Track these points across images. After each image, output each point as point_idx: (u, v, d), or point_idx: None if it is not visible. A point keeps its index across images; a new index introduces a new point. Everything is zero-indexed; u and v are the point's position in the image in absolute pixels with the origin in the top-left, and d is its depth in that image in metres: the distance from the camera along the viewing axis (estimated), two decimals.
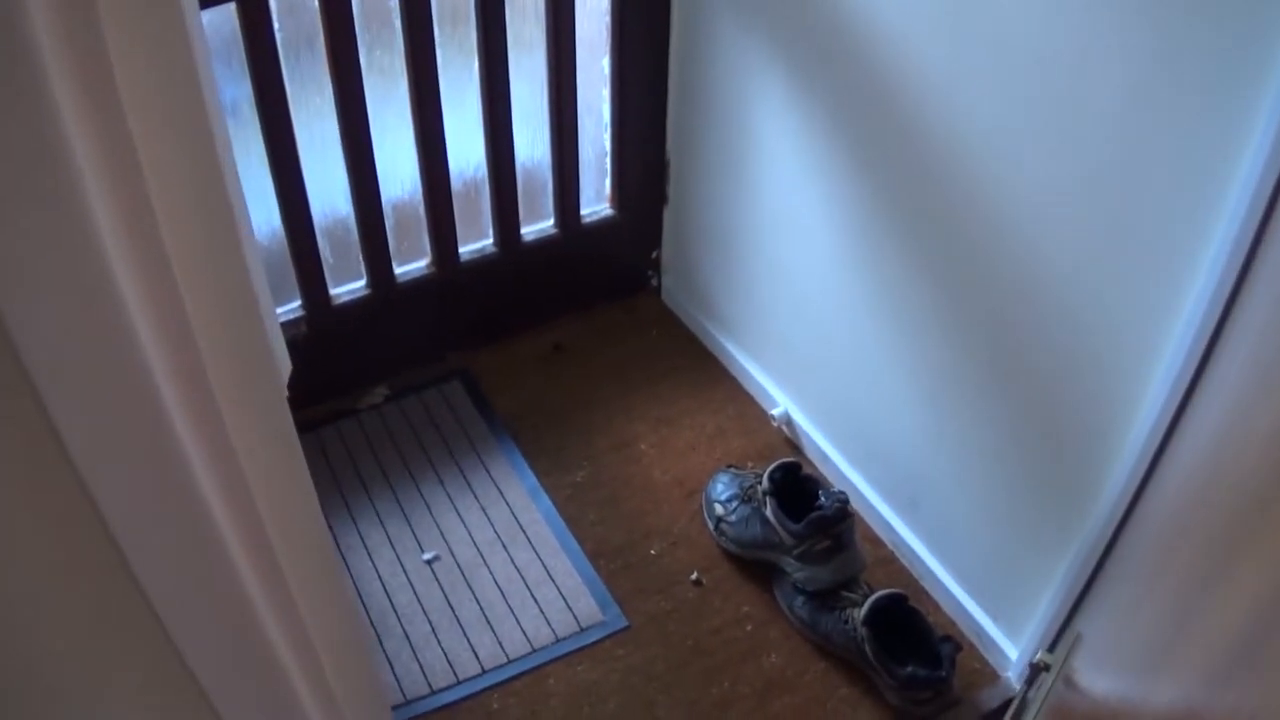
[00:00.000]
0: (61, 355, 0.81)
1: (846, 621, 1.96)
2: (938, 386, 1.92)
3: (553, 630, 2.05)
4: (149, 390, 0.88)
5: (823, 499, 2.00)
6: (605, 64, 2.34)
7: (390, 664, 1.98)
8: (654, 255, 2.66)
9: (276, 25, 1.91)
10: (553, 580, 2.13)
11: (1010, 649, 1.96)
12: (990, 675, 1.99)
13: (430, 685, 1.97)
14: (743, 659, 2.00)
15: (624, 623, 2.07)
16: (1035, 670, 1.70)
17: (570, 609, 2.08)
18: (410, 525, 2.21)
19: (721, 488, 2.18)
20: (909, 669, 1.86)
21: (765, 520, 2.05)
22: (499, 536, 2.18)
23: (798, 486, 2.06)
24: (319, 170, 2.11)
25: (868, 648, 1.91)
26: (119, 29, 0.81)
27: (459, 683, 1.98)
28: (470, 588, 2.11)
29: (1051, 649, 1.70)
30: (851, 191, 1.95)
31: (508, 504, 2.24)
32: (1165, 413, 1.41)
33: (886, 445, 2.10)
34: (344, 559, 2.13)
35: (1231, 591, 1.04)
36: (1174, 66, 1.31)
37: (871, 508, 2.21)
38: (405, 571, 2.13)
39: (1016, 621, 1.93)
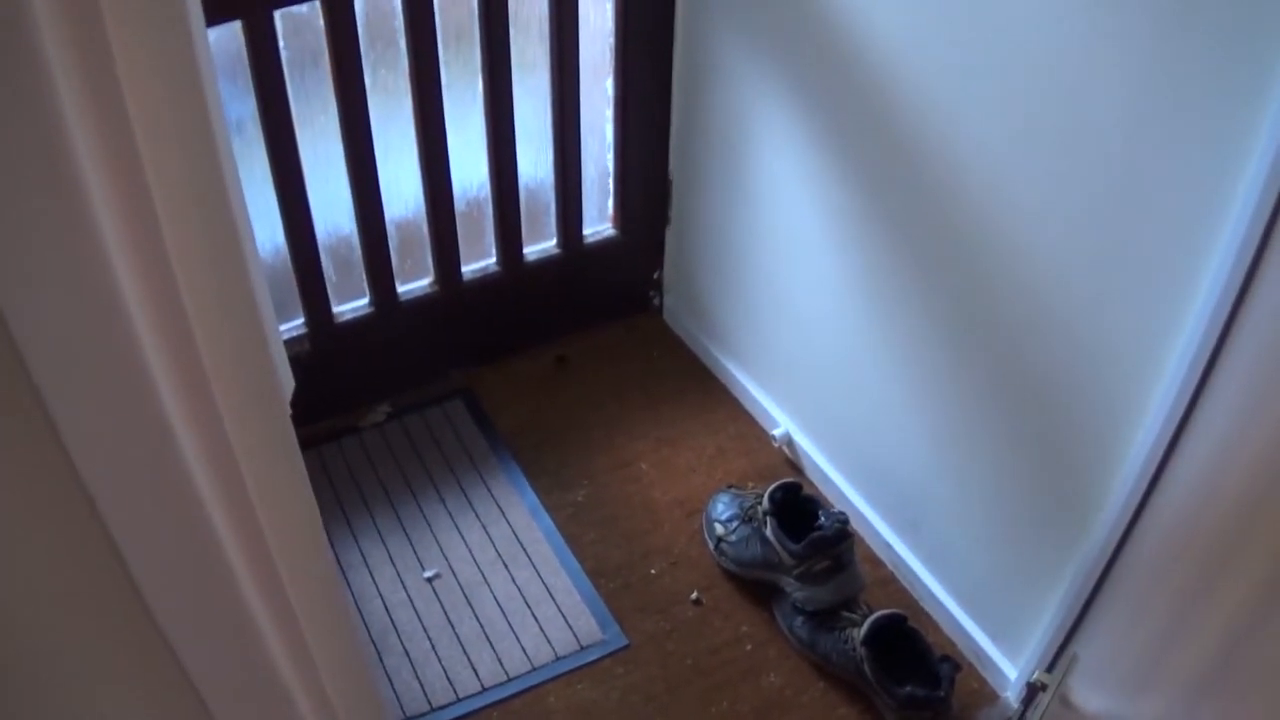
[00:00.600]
0: (66, 368, 0.82)
1: (846, 641, 1.96)
2: (939, 409, 1.91)
3: (553, 649, 2.05)
4: (153, 403, 0.89)
5: (823, 519, 2.00)
6: (608, 85, 2.34)
7: (390, 681, 1.98)
8: (656, 275, 2.65)
9: (282, 44, 1.92)
10: (553, 599, 2.12)
11: (1009, 669, 1.96)
12: (989, 695, 1.99)
13: (430, 703, 1.97)
14: (742, 678, 2.00)
15: (624, 642, 2.06)
16: (1033, 690, 1.71)
17: (570, 627, 2.08)
18: (411, 543, 2.21)
19: (722, 507, 2.17)
20: (908, 689, 1.86)
21: (765, 540, 2.05)
22: (500, 555, 2.18)
23: (798, 507, 2.06)
24: (323, 188, 2.11)
25: (867, 668, 1.91)
26: (126, 47, 0.81)
27: (459, 700, 1.98)
28: (471, 606, 2.11)
29: (1050, 669, 1.71)
30: (853, 213, 1.95)
31: (509, 522, 2.24)
32: (1163, 436, 1.42)
33: (887, 466, 2.10)
34: (345, 576, 2.14)
35: (1216, 610, 1.07)
36: (1174, 86, 1.31)
37: (871, 528, 2.20)
38: (406, 589, 2.13)
39: (1015, 642, 1.93)
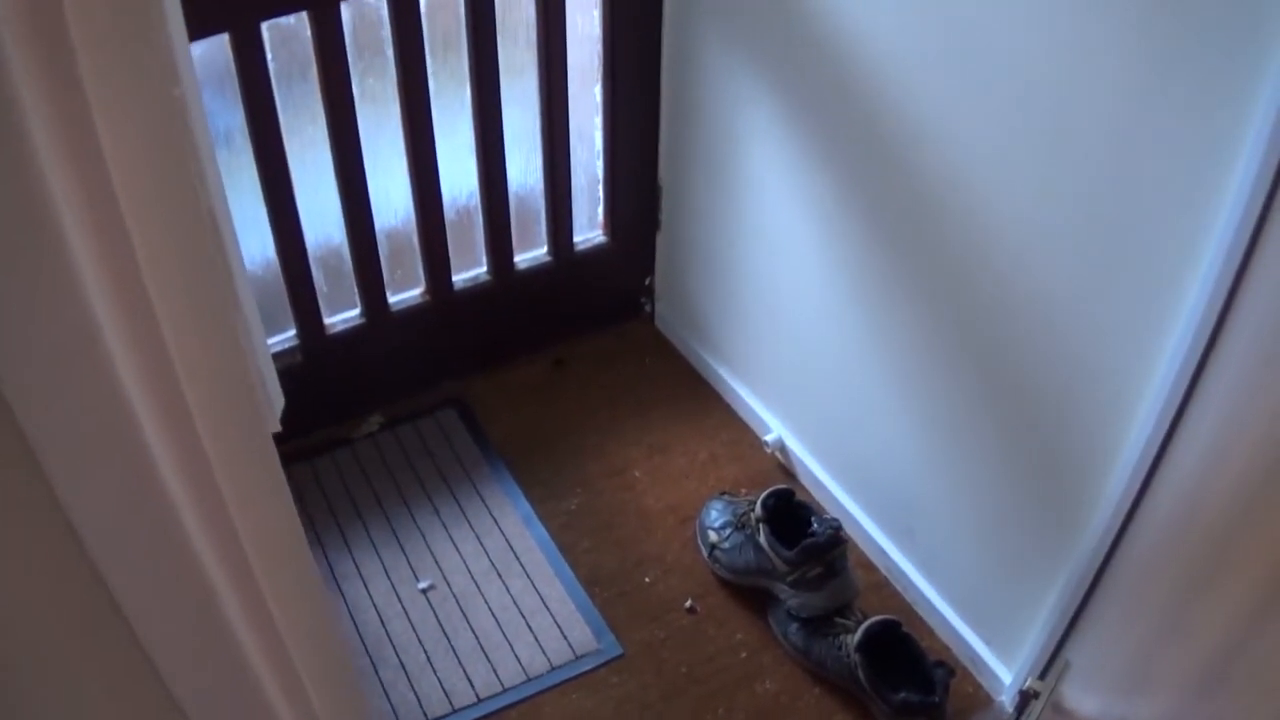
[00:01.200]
0: (38, 384, 0.83)
1: (840, 648, 1.96)
2: (931, 413, 1.92)
3: (547, 659, 2.04)
4: (131, 424, 0.89)
5: (816, 525, 2.00)
6: (597, 91, 2.34)
7: (386, 693, 1.98)
8: (647, 281, 2.66)
9: (270, 55, 1.92)
10: (547, 608, 2.13)
11: (1004, 673, 1.96)
12: (984, 699, 1.99)
13: (426, 714, 1.97)
14: (737, 686, 2.00)
15: (618, 650, 2.06)
16: (1025, 698, 1.72)
17: (565, 637, 2.08)
18: (405, 554, 2.21)
19: (715, 515, 2.18)
20: (902, 695, 1.85)
21: (759, 547, 2.05)
22: (494, 565, 2.18)
23: (791, 513, 2.06)
24: (312, 199, 2.12)
25: (861, 674, 1.91)
26: (101, 77, 0.82)
27: (454, 711, 1.98)
28: (465, 616, 2.11)
29: (1043, 675, 1.72)
30: (843, 217, 1.96)
31: (502, 532, 2.24)
32: (1154, 438, 1.42)
33: (880, 471, 2.10)
34: (339, 588, 2.14)
35: (1207, 612, 1.08)
36: (1163, 89, 1.31)
37: (865, 534, 2.20)
38: (401, 600, 2.14)
39: (1010, 645, 1.93)
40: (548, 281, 2.51)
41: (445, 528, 2.26)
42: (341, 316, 2.33)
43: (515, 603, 2.13)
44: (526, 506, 2.29)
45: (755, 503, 2.08)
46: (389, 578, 2.17)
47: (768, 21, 1.96)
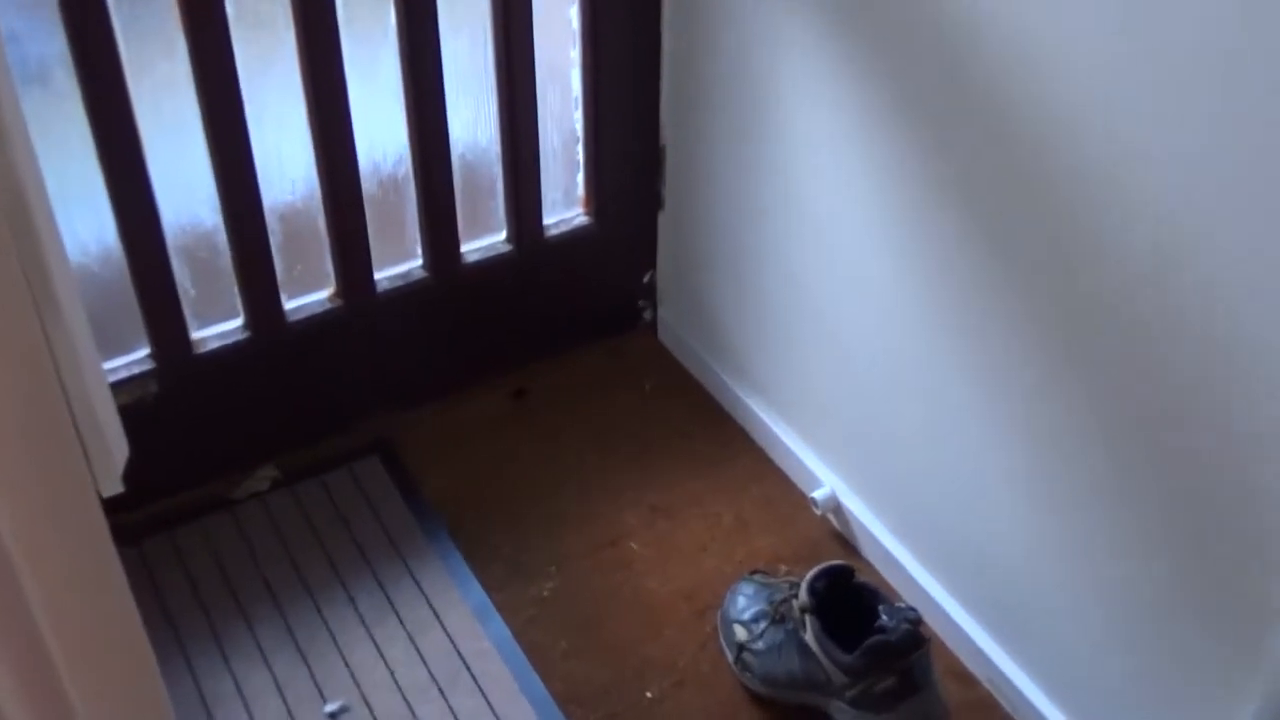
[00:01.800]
0: None
1: None
2: (1061, 466, 1.88)
3: None
4: None
5: (886, 618, 1.95)
6: (573, 13, 2.32)
7: None
8: (647, 279, 2.68)
9: None
10: None
11: None
12: None
13: None
14: None
15: None
16: None
17: None
18: (307, 663, 2.15)
19: (744, 603, 2.14)
20: None
21: (805, 648, 2.02)
22: (433, 677, 2.13)
23: (850, 600, 2.02)
24: (172, 164, 2.08)
25: None
26: None
27: None
28: None
29: None
30: (924, 197, 1.94)
31: (445, 629, 2.19)
32: None
33: (978, 542, 2.08)
34: (210, 715, 2.08)
35: None
36: None
37: (958, 630, 2.15)
38: None
39: None
40: (509, 280, 2.51)
41: (364, 624, 2.21)
42: (216, 330, 2.29)
43: None
44: (479, 593, 2.24)
45: (800, 586, 2.04)
46: (283, 697, 2.10)
47: None
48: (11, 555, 1.04)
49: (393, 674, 2.15)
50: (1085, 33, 1.63)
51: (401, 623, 2.23)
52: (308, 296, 2.37)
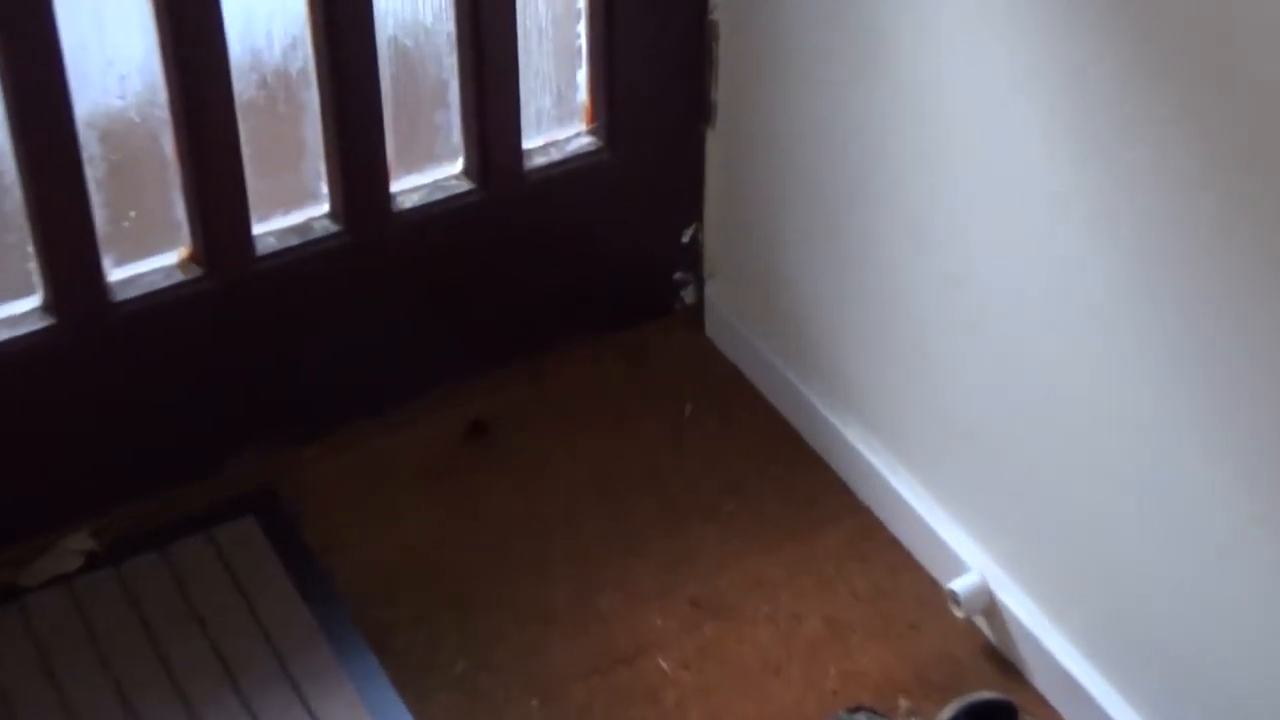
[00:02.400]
0: None
1: None
2: None
3: None
4: None
5: None
6: None
7: None
8: (687, 237, 2.50)
9: None
10: None
11: None
12: None
13: None
14: None
15: None
16: None
17: None
18: None
19: None
20: None
21: None
22: None
23: None
24: None
25: None
26: None
27: None
28: None
29: None
30: (1133, 123, 1.83)
31: None
32: None
33: (1221, 678, 1.96)
34: None
35: None
36: None
37: None
38: None
39: None
40: (465, 238, 2.37)
41: None
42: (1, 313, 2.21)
43: None
44: None
45: None
46: None
47: None
48: None
49: None
50: None
51: None
52: (146, 261, 2.23)
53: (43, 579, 2.21)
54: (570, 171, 2.38)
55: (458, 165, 2.32)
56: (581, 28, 2.35)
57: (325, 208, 2.26)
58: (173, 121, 2.12)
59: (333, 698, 2.10)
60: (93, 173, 2.09)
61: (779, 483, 2.34)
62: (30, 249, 2.12)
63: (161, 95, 2.10)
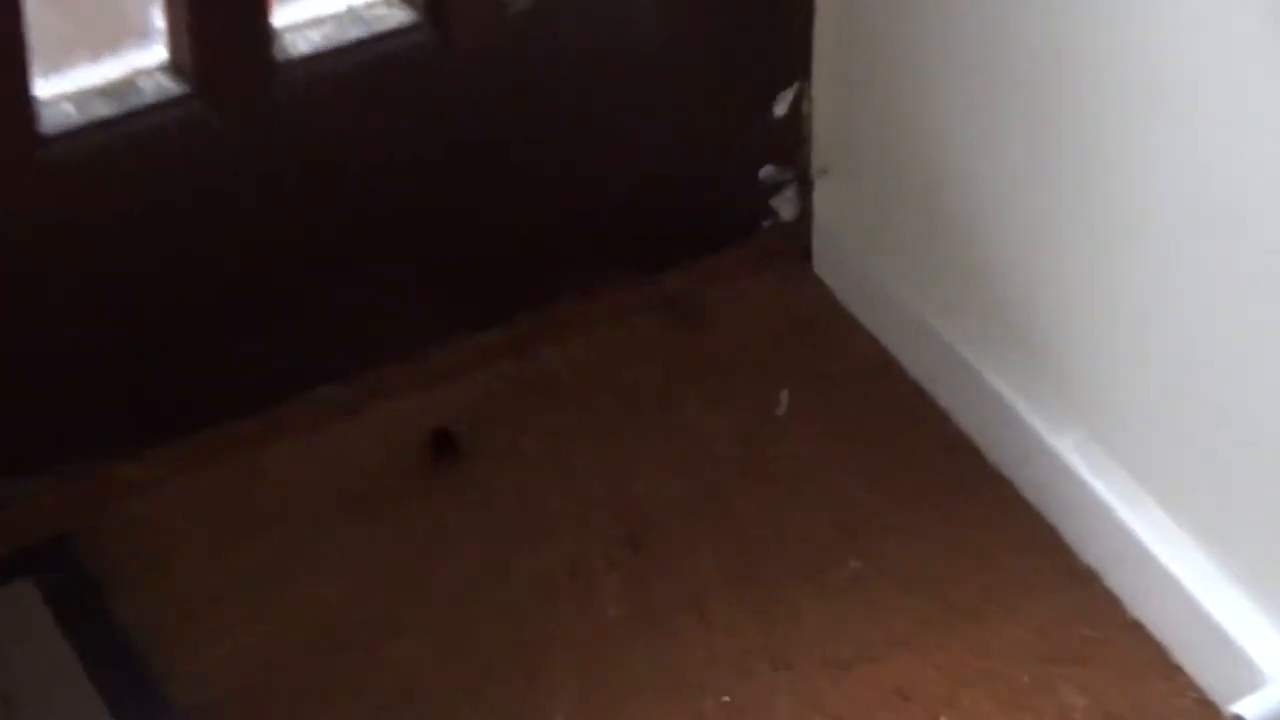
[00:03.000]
0: None
1: None
2: None
3: None
4: None
5: None
6: None
7: None
8: (779, 108, 2.04)
9: None
10: None
11: None
12: None
13: None
14: None
15: None
16: None
17: None
18: None
19: None
20: None
21: None
22: None
23: None
24: None
25: None
26: None
27: None
28: None
29: None
30: None
31: None
32: None
33: None
34: None
35: None
36: None
37: None
38: None
39: None
40: (411, 114, 1.87)
41: None
42: None
43: None
44: None
45: None
46: None
47: None
48: None
49: None
50: None
51: None
52: None
53: None
54: (586, 7, 1.84)
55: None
56: None
57: (161, 55, 1.68)
58: None
59: None
60: None
61: (944, 525, 1.80)
62: None
63: None
